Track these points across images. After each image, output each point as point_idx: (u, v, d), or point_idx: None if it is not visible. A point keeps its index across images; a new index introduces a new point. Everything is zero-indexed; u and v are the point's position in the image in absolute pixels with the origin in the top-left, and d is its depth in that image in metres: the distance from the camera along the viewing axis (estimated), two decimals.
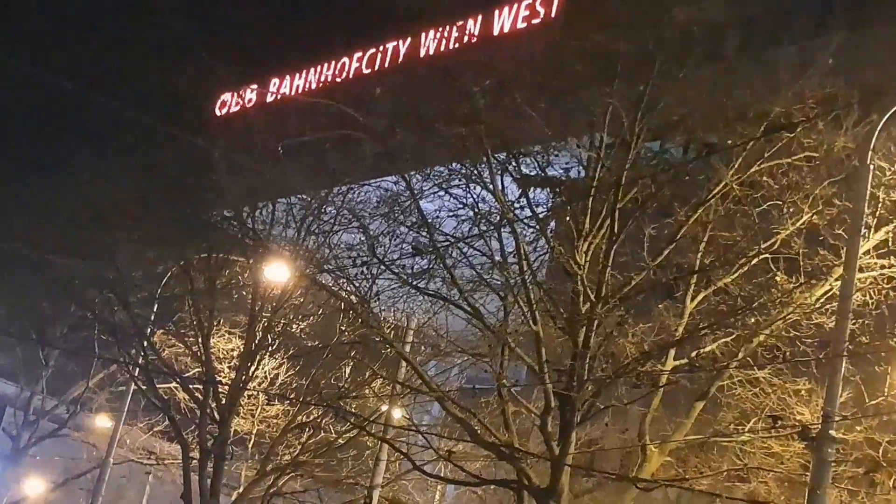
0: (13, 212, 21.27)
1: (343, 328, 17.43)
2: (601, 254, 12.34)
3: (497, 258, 13.02)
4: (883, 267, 11.92)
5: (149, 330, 18.40)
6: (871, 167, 10.45)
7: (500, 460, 13.79)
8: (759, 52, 15.65)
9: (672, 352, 12.45)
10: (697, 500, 14.33)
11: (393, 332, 16.40)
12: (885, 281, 11.91)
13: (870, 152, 10.33)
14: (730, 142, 12.82)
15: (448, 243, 13.26)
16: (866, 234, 11.27)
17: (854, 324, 10.70)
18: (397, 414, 17.31)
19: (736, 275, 12.34)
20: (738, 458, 12.83)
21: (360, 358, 17.39)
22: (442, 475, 17.19)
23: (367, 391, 17.98)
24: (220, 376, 17.39)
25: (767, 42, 16.53)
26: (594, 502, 13.73)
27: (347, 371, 18.17)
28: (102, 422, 24.00)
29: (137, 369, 18.86)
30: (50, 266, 19.11)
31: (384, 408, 17.29)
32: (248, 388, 17.22)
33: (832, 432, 9.34)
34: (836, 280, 11.19)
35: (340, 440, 17.62)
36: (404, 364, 15.75)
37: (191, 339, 18.05)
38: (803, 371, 12.43)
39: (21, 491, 25.89)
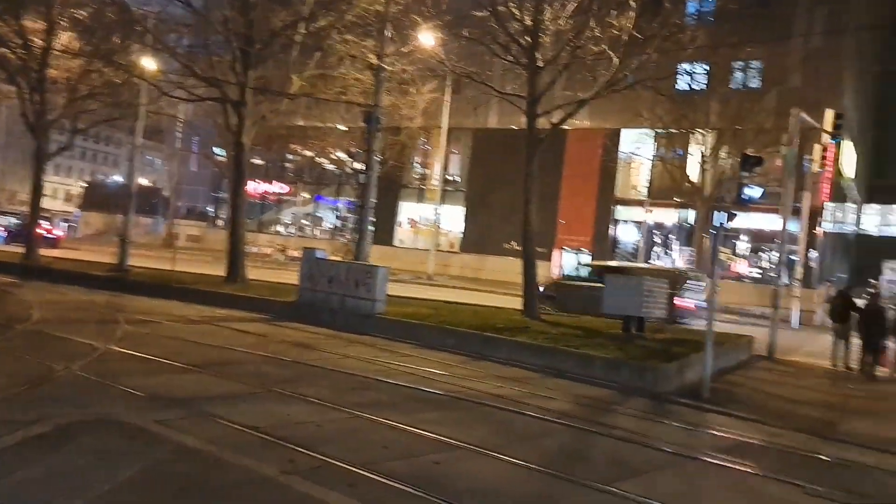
0: None
1: None
2: None
3: None
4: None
5: None
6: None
7: (212, 87, 22.98)
8: None
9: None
10: (321, 104, 25.58)
11: None
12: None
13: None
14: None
15: None
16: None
17: None
18: None
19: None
20: (342, 80, 23.14)
21: None
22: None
23: None
24: None
25: None
26: (264, 98, 23.30)
27: None
28: None
29: None
30: None
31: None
32: None
33: (384, 66, 19.61)
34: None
35: None
36: None
37: None
38: (370, 37, 21.95)
39: None
